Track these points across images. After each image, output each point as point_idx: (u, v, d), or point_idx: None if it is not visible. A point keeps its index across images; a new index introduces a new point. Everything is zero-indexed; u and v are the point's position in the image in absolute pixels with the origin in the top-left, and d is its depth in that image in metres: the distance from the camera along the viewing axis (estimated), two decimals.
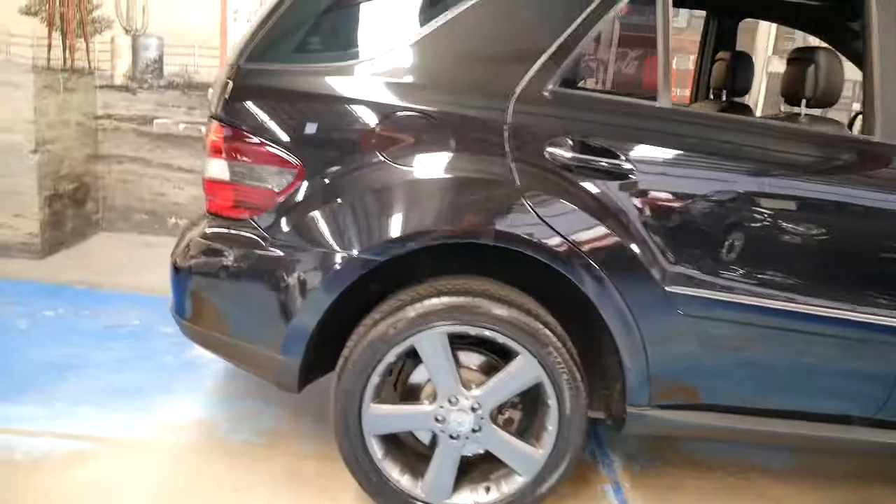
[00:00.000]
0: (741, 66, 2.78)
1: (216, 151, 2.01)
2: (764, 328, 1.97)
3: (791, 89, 2.28)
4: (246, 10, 4.45)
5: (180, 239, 2.26)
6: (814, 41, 4.35)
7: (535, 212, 1.88)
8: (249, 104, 1.99)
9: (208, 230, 2.09)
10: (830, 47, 2.90)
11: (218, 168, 2.02)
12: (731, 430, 2.06)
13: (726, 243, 1.92)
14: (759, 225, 1.93)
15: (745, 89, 2.85)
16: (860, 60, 2.21)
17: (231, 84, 2.00)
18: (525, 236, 1.88)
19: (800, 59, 2.27)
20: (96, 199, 4.70)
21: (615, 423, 2.12)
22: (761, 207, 1.94)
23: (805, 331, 1.96)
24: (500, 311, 1.93)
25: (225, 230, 2.05)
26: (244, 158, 1.99)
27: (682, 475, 2.48)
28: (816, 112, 2.38)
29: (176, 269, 2.14)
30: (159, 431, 2.51)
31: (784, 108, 2.50)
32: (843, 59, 2.28)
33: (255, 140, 1.96)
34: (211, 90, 2.23)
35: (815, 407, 2.05)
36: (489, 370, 2.06)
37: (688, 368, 2.00)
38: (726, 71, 2.72)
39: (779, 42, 4.41)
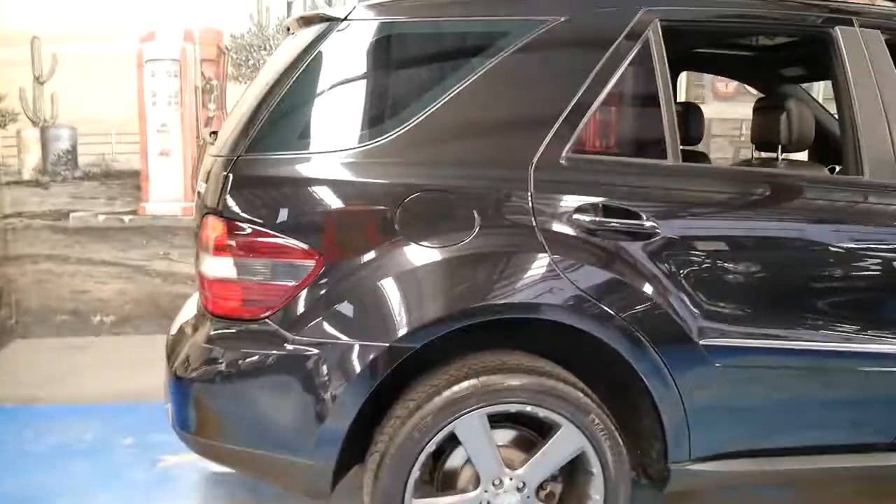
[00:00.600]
0: (693, 116, 2.91)
1: (220, 249, 1.87)
2: (793, 370, 2.03)
3: (764, 136, 2.41)
4: (164, 92, 4.26)
5: (175, 344, 2.08)
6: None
7: (570, 280, 1.86)
8: (255, 196, 1.88)
9: (214, 333, 1.93)
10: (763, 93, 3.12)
11: (223, 267, 1.88)
12: (768, 472, 2.08)
13: (751, 292, 1.98)
14: (778, 270, 2.01)
15: (698, 138, 2.99)
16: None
17: (231, 177, 1.88)
18: (564, 306, 1.86)
19: (768, 107, 2.41)
20: (10, 304, 4.30)
21: (654, 483, 2.10)
22: (776, 253, 2.01)
23: (832, 368, 2.03)
24: (545, 384, 1.89)
25: (235, 332, 1.90)
26: (255, 254, 1.86)
27: None
28: (793, 156, 2.54)
29: (178, 380, 1.96)
30: None
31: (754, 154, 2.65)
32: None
33: (268, 233, 1.85)
34: (202, 181, 2.08)
35: (846, 439, 2.12)
36: (521, 444, 2.00)
37: (724, 418, 2.02)
38: (679, 122, 2.84)
39: (690, 90, 4.70)
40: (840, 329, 2.03)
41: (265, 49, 4.35)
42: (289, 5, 4.33)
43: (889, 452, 2.15)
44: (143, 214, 4.34)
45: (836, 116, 2.27)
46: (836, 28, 2.12)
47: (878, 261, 2.07)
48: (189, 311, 2.34)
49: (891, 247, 2.07)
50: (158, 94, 4.25)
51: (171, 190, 4.34)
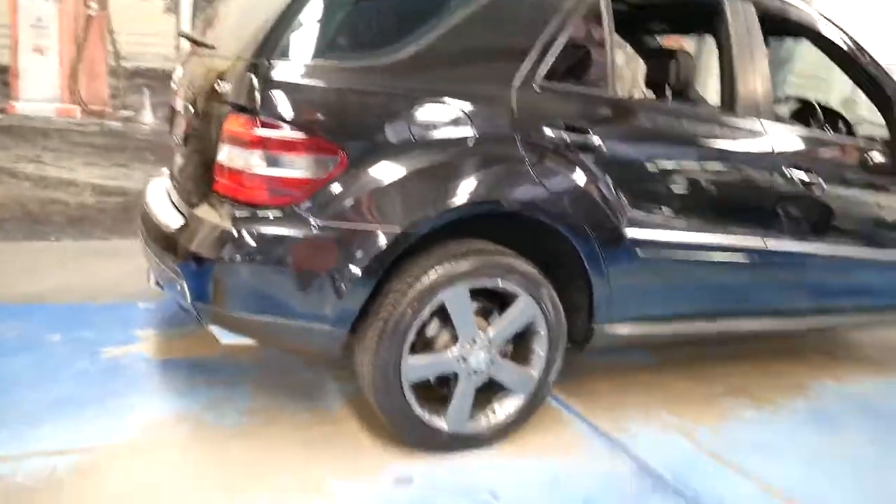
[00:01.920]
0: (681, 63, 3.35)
1: (252, 144, 2.11)
2: (692, 257, 2.75)
3: (656, 80, 3.04)
4: None
5: (190, 227, 2.26)
6: None
7: (541, 183, 2.36)
8: (288, 98, 2.12)
9: (240, 217, 2.16)
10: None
11: (254, 160, 2.12)
12: (664, 335, 2.80)
13: (663, 199, 2.62)
14: (682, 182, 2.68)
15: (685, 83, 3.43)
16: None
17: (259, 79, 2.10)
18: (537, 204, 2.36)
19: (660, 56, 3.05)
20: None
21: (576, 344, 2.71)
22: (680, 169, 2.68)
23: (721, 257, 2.80)
24: (514, 263, 2.38)
25: (262, 217, 2.16)
26: (286, 149, 2.12)
27: (600, 383, 3.15)
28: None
29: (201, 259, 2.18)
30: (145, 432, 2.46)
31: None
32: None
33: (298, 131, 2.12)
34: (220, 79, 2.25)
35: (728, 311, 2.93)
36: (485, 315, 2.49)
37: (639, 292, 2.67)
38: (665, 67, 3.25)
39: None
40: (724, 226, 2.78)
41: None
42: None
43: (756, 318, 3.01)
44: (13, 113, 4.11)
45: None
46: (726, 2, 2.80)
47: (750, 173, 2.83)
48: (158, 203, 2.53)
49: (756, 163, 2.84)
50: None
51: (46, 89, 4.13)
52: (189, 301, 2.23)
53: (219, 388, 2.77)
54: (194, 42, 2.68)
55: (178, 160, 2.76)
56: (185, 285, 2.23)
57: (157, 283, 2.69)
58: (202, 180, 2.32)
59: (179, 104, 2.74)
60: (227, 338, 2.31)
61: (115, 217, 4.44)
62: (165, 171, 3.08)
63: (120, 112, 4.38)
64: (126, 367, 2.90)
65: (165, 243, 2.37)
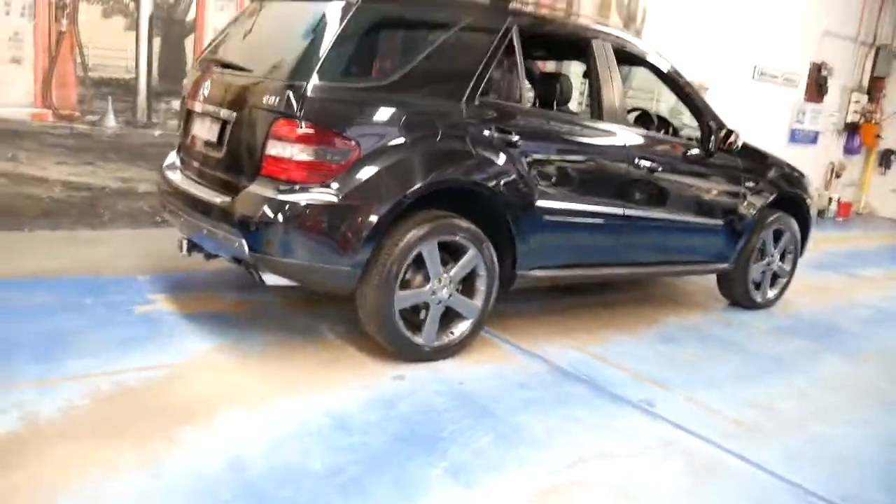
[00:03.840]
0: (560, 82, 4.38)
1: (298, 140, 3.03)
2: (586, 222, 3.93)
3: (546, 95, 4.21)
4: (19, 3, 4.55)
5: (244, 200, 3.12)
6: None
7: (485, 167, 3.43)
8: (320, 108, 3.05)
9: (283, 189, 3.06)
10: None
11: (293, 151, 3.04)
12: (567, 277, 3.98)
13: (560, 178, 3.77)
14: (573, 167, 3.85)
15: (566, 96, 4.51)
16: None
17: (298, 95, 3.02)
18: (484, 182, 3.42)
19: (548, 77, 4.22)
20: None
21: (503, 285, 3.78)
22: (570, 158, 3.85)
23: (606, 222, 4.00)
24: (466, 225, 3.43)
25: (300, 192, 3.06)
26: (321, 144, 3.06)
27: (518, 323, 4.25)
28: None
29: (252, 220, 3.06)
30: (196, 356, 3.27)
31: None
32: None
33: (330, 131, 3.06)
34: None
35: (616, 262, 4.16)
36: (444, 262, 3.52)
37: (549, 246, 3.80)
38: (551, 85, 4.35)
39: None
40: (597, 198, 3.96)
41: None
42: None
43: (623, 267, 4.26)
44: None
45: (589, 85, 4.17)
46: (593, 41, 4.02)
47: (613, 162, 4.03)
48: (191, 187, 3.44)
49: (616, 154, 4.04)
50: (13, 4, 4.53)
51: (21, 96, 4.68)
52: (247, 252, 3.09)
53: (237, 331, 3.61)
54: (230, 66, 3.51)
55: (201, 152, 3.56)
56: (244, 241, 3.08)
57: (189, 250, 3.51)
58: (249, 166, 3.19)
59: (200, 109, 3.56)
60: (272, 280, 3.19)
61: (81, 209, 5.01)
62: (177, 162, 3.87)
63: (87, 117, 4.97)
64: (158, 319, 3.66)
65: (218, 214, 3.20)
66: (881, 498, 2.77)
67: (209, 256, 3.65)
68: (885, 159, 11.55)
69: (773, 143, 7.92)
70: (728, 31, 8.65)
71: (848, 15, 10.39)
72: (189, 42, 5.31)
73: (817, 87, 10.27)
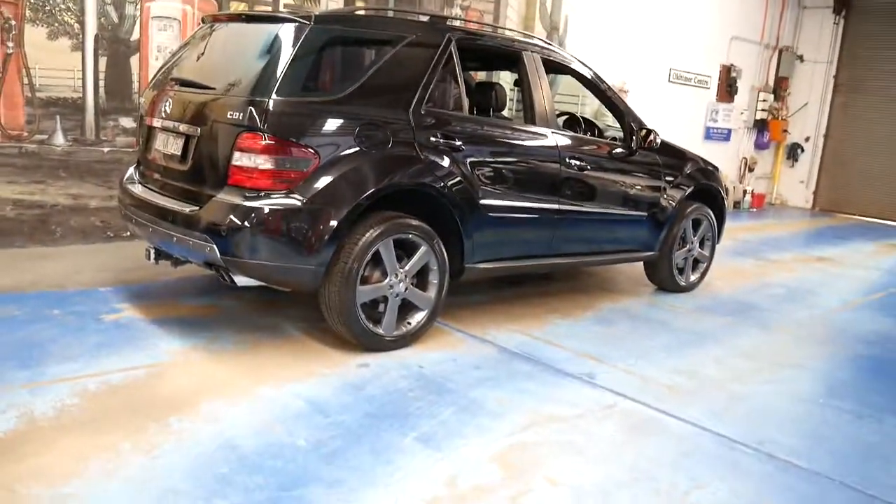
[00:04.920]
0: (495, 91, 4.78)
1: (262, 151, 3.30)
2: (524, 218, 4.29)
3: (482, 102, 4.57)
4: None
5: (213, 207, 3.36)
6: None
7: (432, 171, 3.76)
8: (282, 121, 3.32)
9: (250, 196, 3.32)
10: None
11: (263, 161, 3.31)
12: (511, 268, 4.35)
13: (500, 178, 4.13)
14: (511, 168, 4.21)
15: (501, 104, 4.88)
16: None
17: (260, 110, 3.28)
18: (431, 184, 3.75)
19: (484, 86, 4.60)
20: None
21: (454, 277, 4.12)
22: (507, 160, 4.21)
23: (541, 217, 4.36)
24: (417, 224, 3.75)
25: (266, 197, 3.33)
26: (284, 154, 3.33)
27: (468, 313, 4.58)
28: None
29: (221, 227, 3.30)
30: (172, 357, 3.49)
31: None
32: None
33: (291, 142, 3.34)
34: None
35: (552, 254, 4.55)
36: (399, 258, 3.83)
37: (492, 241, 4.15)
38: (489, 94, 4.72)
39: None
40: (534, 195, 4.34)
41: None
42: None
43: (558, 258, 4.64)
44: None
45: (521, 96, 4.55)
46: (523, 52, 4.41)
47: (546, 162, 4.42)
48: (157, 198, 3.67)
49: (548, 155, 4.43)
50: None
51: None
52: (219, 256, 3.33)
53: (208, 332, 3.83)
54: (190, 84, 3.73)
55: (164, 165, 3.78)
56: (215, 246, 3.32)
57: (156, 258, 3.73)
58: (214, 177, 3.43)
59: (161, 125, 3.78)
60: (242, 281, 3.45)
61: (33, 227, 5.10)
62: (136, 176, 4.06)
63: (35, 136, 5.08)
64: (129, 325, 3.85)
65: (189, 221, 3.43)
66: (793, 442, 3.21)
67: (177, 263, 3.87)
68: (792, 153, 12.46)
69: (691, 141, 8.57)
70: (644, 37, 9.28)
71: (753, 20, 11.21)
72: (135, 61, 5.46)
73: (728, 87, 11.03)
